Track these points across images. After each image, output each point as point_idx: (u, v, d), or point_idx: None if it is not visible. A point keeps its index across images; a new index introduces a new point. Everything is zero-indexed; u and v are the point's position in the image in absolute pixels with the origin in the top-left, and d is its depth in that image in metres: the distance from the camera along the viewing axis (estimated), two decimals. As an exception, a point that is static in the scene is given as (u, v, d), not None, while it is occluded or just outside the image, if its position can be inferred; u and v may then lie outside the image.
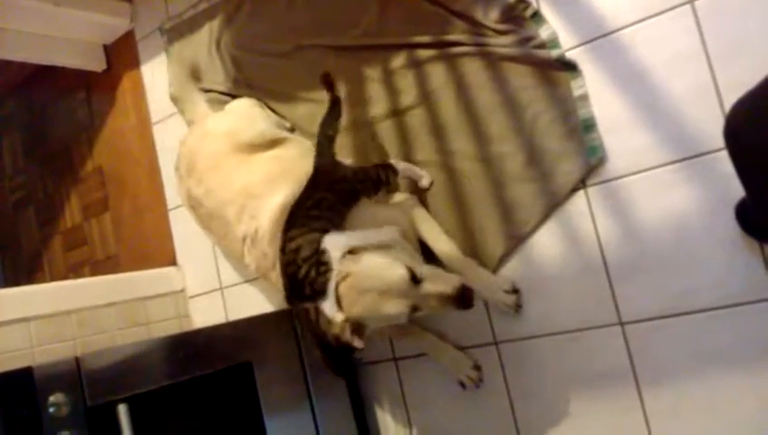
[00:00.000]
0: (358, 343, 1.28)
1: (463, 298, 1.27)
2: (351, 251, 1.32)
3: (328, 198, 1.47)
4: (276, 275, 1.52)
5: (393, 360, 1.85)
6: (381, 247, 1.34)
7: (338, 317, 1.28)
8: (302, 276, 1.33)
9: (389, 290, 1.26)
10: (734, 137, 0.89)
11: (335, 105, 1.65)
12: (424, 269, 1.32)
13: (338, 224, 1.45)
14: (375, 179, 1.60)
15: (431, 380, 1.77)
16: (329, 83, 1.67)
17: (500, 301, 1.61)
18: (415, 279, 1.27)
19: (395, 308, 1.27)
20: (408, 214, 1.64)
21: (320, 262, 1.33)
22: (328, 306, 1.29)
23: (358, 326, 1.29)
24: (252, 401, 1.56)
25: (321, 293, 1.30)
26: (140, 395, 1.35)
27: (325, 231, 1.39)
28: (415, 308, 1.29)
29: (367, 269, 1.29)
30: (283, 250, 1.43)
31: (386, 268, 1.27)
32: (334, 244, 1.34)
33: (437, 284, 1.28)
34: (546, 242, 1.60)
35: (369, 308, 1.28)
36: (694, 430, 1.43)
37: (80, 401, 1.27)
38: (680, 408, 1.44)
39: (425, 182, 1.71)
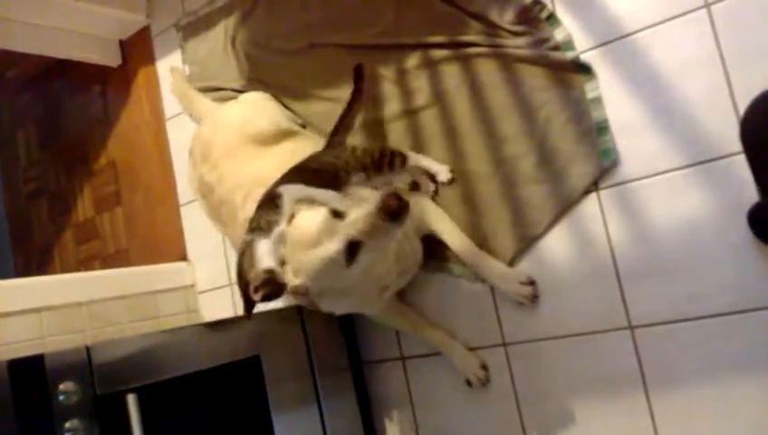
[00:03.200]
0: (257, 297, 1.18)
1: (390, 208, 1.14)
2: (302, 201, 1.26)
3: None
4: None
5: (400, 359, 1.85)
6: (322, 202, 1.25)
7: (262, 264, 1.19)
8: (256, 212, 1.30)
9: (318, 237, 1.18)
10: (750, 133, 0.89)
11: (356, 95, 1.65)
12: (351, 203, 1.22)
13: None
14: (377, 159, 1.51)
15: (438, 379, 1.77)
16: (360, 75, 1.67)
17: (516, 292, 1.61)
18: (336, 214, 1.19)
19: (326, 251, 1.17)
20: (416, 208, 1.58)
21: (274, 204, 1.27)
22: (262, 246, 1.21)
23: (274, 284, 1.18)
24: (259, 395, 1.57)
25: (264, 230, 1.23)
26: (149, 386, 1.36)
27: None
28: (354, 244, 1.18)
29: (298, 224, 1.22)
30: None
31: (308, 217, 1.21)
32: (289, 192, 1.29)
33: (362, 206, 1.18)
34: (557, 244, 1.59)
35: (306, 263, 1.19)
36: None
37: (89, 390, 1.27)
38: (688, 412, 1.43)
39: (443, 177, 1.68)
